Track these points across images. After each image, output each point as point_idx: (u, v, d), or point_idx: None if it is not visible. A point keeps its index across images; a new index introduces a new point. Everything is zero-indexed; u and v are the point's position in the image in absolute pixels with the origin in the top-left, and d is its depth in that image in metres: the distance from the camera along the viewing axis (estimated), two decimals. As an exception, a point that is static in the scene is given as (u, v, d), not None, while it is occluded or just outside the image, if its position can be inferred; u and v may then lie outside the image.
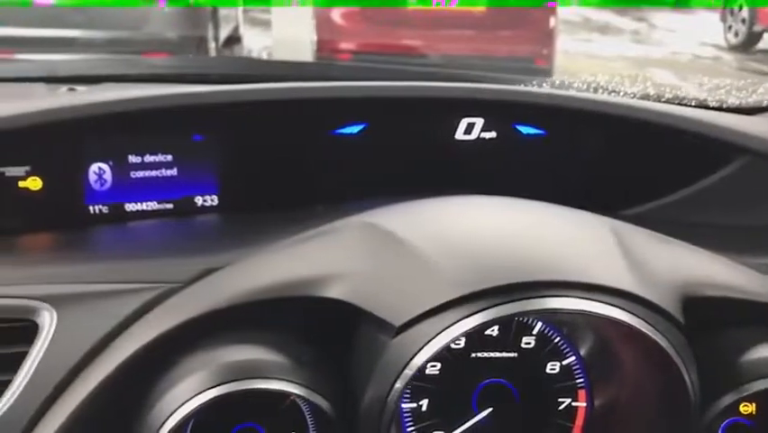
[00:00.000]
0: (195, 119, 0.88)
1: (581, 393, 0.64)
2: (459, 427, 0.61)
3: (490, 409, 0.62)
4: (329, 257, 0.65)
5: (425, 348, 0.53)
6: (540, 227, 0.65)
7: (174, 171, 0.89)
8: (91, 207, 0.87)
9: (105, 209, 0.88)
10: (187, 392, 0.58)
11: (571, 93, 0.99)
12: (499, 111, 0.96)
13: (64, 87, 1.00)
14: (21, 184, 0.84)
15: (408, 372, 0.53)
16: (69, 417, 0.60)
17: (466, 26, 4.90)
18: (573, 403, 0.64)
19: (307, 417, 0.62)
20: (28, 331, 0.65)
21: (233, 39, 6.43)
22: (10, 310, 0.65)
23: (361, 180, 0.95)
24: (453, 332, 0.54)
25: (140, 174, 0.88)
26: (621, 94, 1.06)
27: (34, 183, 0.85)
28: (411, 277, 0.59)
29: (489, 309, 0.54)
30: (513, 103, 0.96)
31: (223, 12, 5.69)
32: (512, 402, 0.62)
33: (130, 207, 0.88)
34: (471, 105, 0.95)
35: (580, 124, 0.96)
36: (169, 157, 0.88)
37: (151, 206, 0.89)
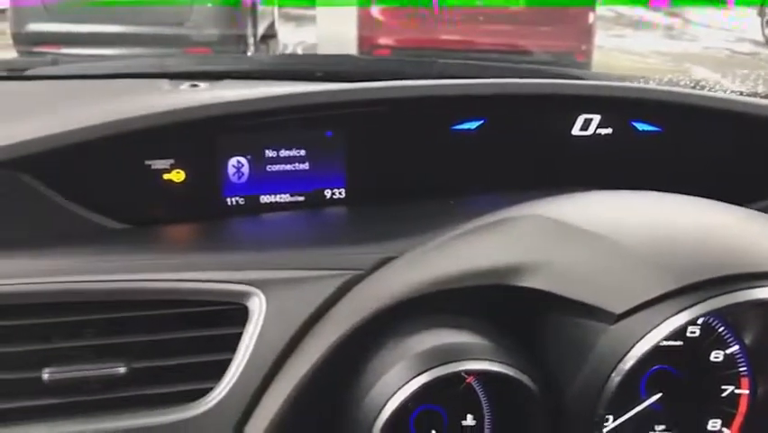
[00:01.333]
0: (328, 116, 0.90)
1: (744, 381, 0.66)
2: (629, 411, 0.63)
3: (660, 395, 0.64)
4: (517, 247, 0.68)
5: (646, 337, 0.56)
6: (722, 220, 0.67)
7: (306, 165, 0.92)
8: (229, 199, 0.91)
9: (241, 201, 0.91)
10: (400, 378, 0.61)
11: (687, 90, 1.01)
12: (616, 108, 0.98)
13: (186, 84, 1.04)
14: (165, 176, 0.88)
15: (630, 359, 0.56)
16: (289, 395, 0.64)
17: (505, 22, 4.90)
18: (736, 391, 0.66)
19: (482, 400, 0.65)
20: (239, 314, 0.69)
21: (269, 35, 6.50)
22: (224, 294, 0.69)
23: (479, 174, 0.97)
24: (676, 322, 0.56)
25: (275, 168, 0.91)
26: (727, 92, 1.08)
27: (178, 176, 0.88)
28: (619, 267, 0.61)
29: (708, 301, 0.56)
30: (630, 100, 0.98)
31: (258, 8, 5.76)
32: (679, 388, 0.65)
33: (264, 198, 0.92)
34: (589, 102, 0.97)
35: (697, 121, 0.98)
36: (303, 152, 0.91)
37: (284, 198, 0.92)
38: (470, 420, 0.66)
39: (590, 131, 0.98)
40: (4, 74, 1.14)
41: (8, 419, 0.64)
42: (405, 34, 4.73)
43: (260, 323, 0.68)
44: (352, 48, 4.61)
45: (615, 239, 0.63)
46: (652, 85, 1.03)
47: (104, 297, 0.68)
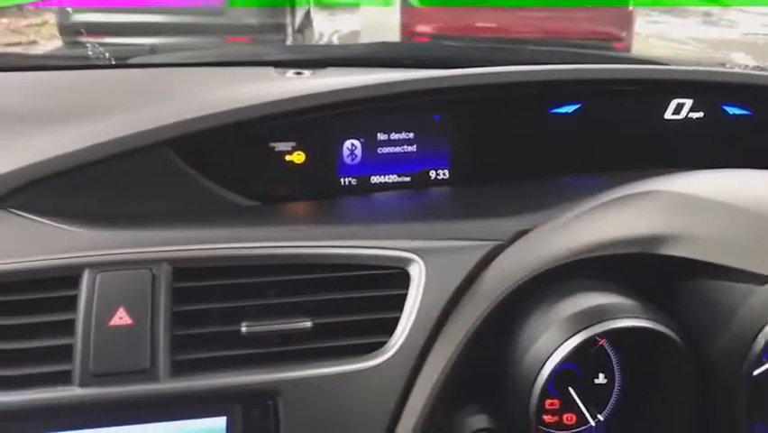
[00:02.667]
0: (437, 101, 0.96)
1: None
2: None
3: None
4: (656, 218, 0.73)
5: None
6: None
7: (414, 148, 0.97)
8: (342, 179, 0.96)
9: (353, 181, 0.97)
10: (554, 340, 0.67)
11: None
12: (708, 92, 1.02)
13: (290, 72, 1.10)
14: (287, 158, 0.94)
15: None
16: (452, 353, 0.71)
17: (544, 8, 4.90)
18: None
19: (614, 360, 0.71)
20: (402, 278, 0.75)
21: (305, 24, 6.57)
22: (389, 260, 0.76)
23: (574, 157, 1.02)
24: None
25: (385, 150, 0.97)
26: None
27: (299, 157, 0.94)
28: (759, 233, 0.66)
29: None
30: (721, 84, 1.02)
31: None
32: None
33: (374, 179, 0.97)
34: (682, 87, 1.01)
35: None
36: (411, 135, 0.97)
37: (392, 178, 0.98)
38: (601, 379, 0.71)
39: (683, 115, 1.02)
40: (109, 63, 1.21)
41: (214, 368, 0.71)
42: (445, 22, 4.76)
43: (422, 286, 0.74)
44: (394, 35, 4.65)
45: (749, 209, 0.68)
46: (741, 69, 1.07)
47: (292, 260, 0.76)
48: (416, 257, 0.76)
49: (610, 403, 0.74)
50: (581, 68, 0.99)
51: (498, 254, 0.77)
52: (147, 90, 1.02)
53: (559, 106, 1.00)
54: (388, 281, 0.76)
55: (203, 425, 0.69)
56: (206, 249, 0.76)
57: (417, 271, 0.75)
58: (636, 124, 1.02)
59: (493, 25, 4.81)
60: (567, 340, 0.66)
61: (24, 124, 0.91)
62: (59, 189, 0.83)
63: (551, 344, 0.66)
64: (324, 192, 0.96)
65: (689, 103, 1.01)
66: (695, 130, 1.02)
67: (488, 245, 0.78)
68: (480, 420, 0.71)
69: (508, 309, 0.72)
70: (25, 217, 0.81)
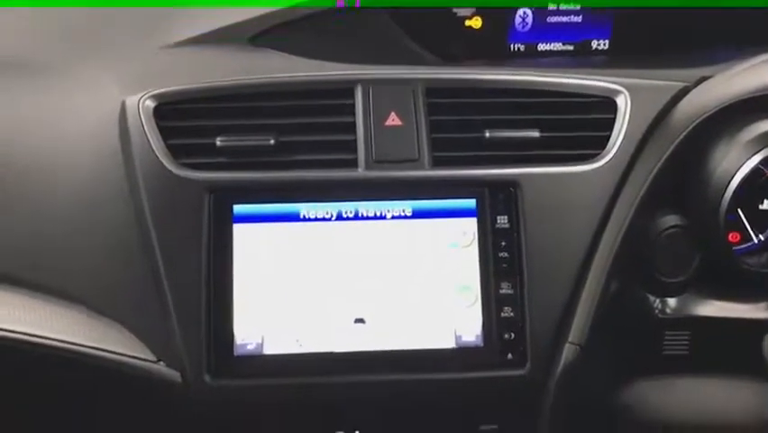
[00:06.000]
0: None
1: None
2: None
3: None
4: None
5: None
6: None
7: (579, 18, 1.13)
8: (512, 45, 1.13)
9: (521, 48, 1.13)
10: (740, 159, 0.86)
11: None
12: None
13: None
14: (467, 23, 1.10)
15: None
16: (652, 170, 0.89)
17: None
18: None
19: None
20: (610, 106, 0.92)
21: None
22: (600, 90, 0.92)
23: (725, 29, 1.12)
24: None
25: (554, 19, 1.13)
26: None
27: (476, 22, 1.10)
28: None
29: None
30: None
31: None
32: None
33: (541, 46, 1.14)
34: None
35: None
36: (578, 6, 1.13)
37: (557, 46, 1.14)
38: (765, 205, 0.90)
39: None
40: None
41: (465, 163, 0.87)
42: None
43: (627, 113, 0.90)
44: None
45: None
46: None
47: (524, 86, 0.92)
48: (623, 89, 0.92)
49: None
50: None
51: (686, 95, 0.93)
52: None
53: None
54: (600, 108, 0.92)
55: (458, 204, 0.87)
56: (452, 72, 0.93)
57: (623, 101, 0.92)
58: None
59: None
60: (754, 155, 0.85)
61: None
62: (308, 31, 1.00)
63: (741, 157, 0.85)
64: (494, 56, 1.12)
65: None
66: None
67: (678, 85, 0.94)
68: (673, 219, 0.89)
69: (699, 136, 0.89)
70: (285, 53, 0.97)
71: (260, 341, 0.83)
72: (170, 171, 0.84)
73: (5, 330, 0.84)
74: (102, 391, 0.91)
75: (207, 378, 0.82)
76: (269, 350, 0.83)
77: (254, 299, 0.83)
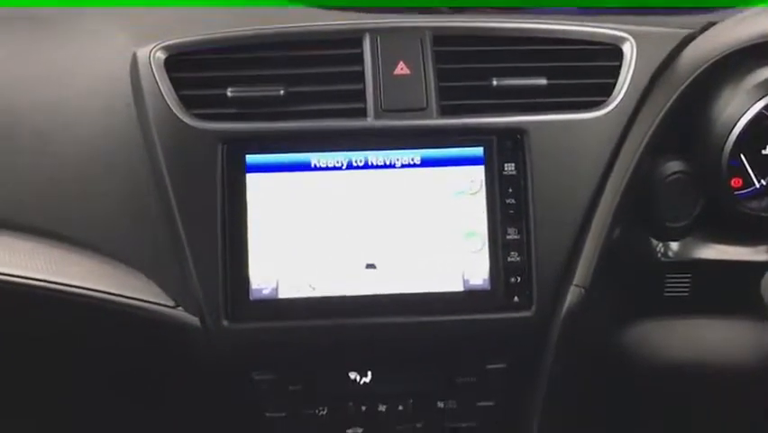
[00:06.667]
0: None
1: None
2: None
3: None
4: None
5: None
6: None
7: None
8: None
9: None
10: (743, 105, 0.87)
11: None
12: None
13: None
14: None
15: None
16: (659, 114, 0.90)
17: None
18: None
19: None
20: (615, 53, 0.92)
21: None
22: (605, 37, 0.93)
23: None
24: None
25: None
26: None
27: None
28: None
29: None
30: None
31: None
32: None
33: None
34: None
35: None
36: None
37: None
38: None
39: None
40: None
41: (473, 111, 0.89)
42: None
43: (633, 60, 0.91)
44: None
45: None
46: None
47: (530, 34, 0.93)
48: (629, 36, 0.93)
49: None
50: None
51: (691, 41, 0.94)
52: None
53: None
54: (606, 55, 0.93)
55: (466, 152, 0.88)
56: (459, 20, 0.94)
57: (629, 48, 0.92)
58: None
59: None
60: (758, 101, 0.86)
61: None
62: None
63: (745, 103, 0.86)
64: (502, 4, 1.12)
65: None
66: None
67: (683, 32, 0.95)
68: (677, 165, 0.91)
69: (704, 82, 0.90)
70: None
71: (274, 286, 0.86)
72: (183, 122, 0.86)
73: (25, 277, 0.87)
74: (121, 338, 0.94)
75: (225, 322, 0.85)
76: (283, 294, 0.86)
77: (268, 245, 0.86)
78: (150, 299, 0.87)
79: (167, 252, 0.87)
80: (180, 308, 0.86)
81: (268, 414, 0.93)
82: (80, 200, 0.90)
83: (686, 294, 0.95)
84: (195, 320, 0.86)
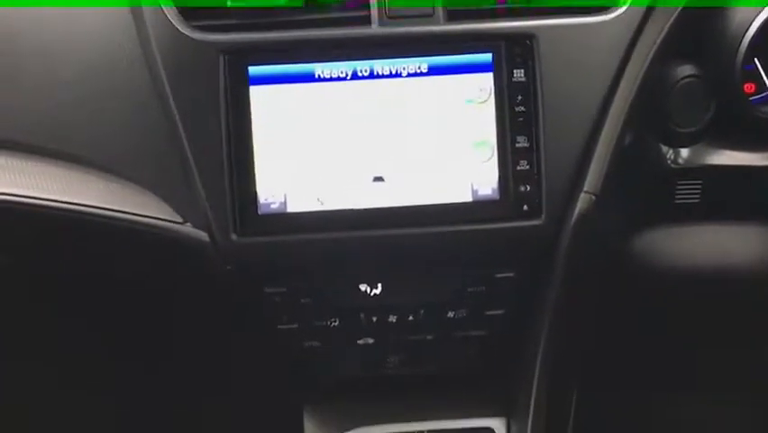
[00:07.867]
0: None
1: None
2: None
3: None
4: None
5: None
6: None
7: None
8: None
9: None
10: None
11: None
12: None
13: None
14: None
15: None
16: (667, 21, 0.88)
17: None
18: None
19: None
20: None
21: None
22: None
23: None
24: None
25: None
26: None
27: None
28: None
29: None
30: None
31: None
32: None
33: None
34: None
35: None
36: None
37: None
38: None
39: None
40: None
41: (482, 17, 0.86)
42: None
43: None
44: None
45: None
46: None
47: None
48: None
49: None
50: None
51: None
52: None
53: None
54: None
55: (474, 59, 0.86)
56: None
57: None
58: None
59: None
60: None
61: None
62: None
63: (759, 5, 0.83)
64: None
65: None
66: None
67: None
68: (689, 69, 0.89)
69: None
70: None
71: (282, 200, 0.85)
72: (183, 34, 0.84)
73: (34, 198, 0.86)
74: (132, 256, 0.95)
75: (234, 236, 0.85)
76: (291, 208, 0.85)
77: (275, 159, 0.85)
78: (158, 216, 0.87)
79: (173, 168, 0.86)
80: (189, 223, 0.86)
81: (280, 326, 0.94)
82: (84, 119, 0.88)
83: (697, 201, 0.95)
84: (204, 235, 0.86)
